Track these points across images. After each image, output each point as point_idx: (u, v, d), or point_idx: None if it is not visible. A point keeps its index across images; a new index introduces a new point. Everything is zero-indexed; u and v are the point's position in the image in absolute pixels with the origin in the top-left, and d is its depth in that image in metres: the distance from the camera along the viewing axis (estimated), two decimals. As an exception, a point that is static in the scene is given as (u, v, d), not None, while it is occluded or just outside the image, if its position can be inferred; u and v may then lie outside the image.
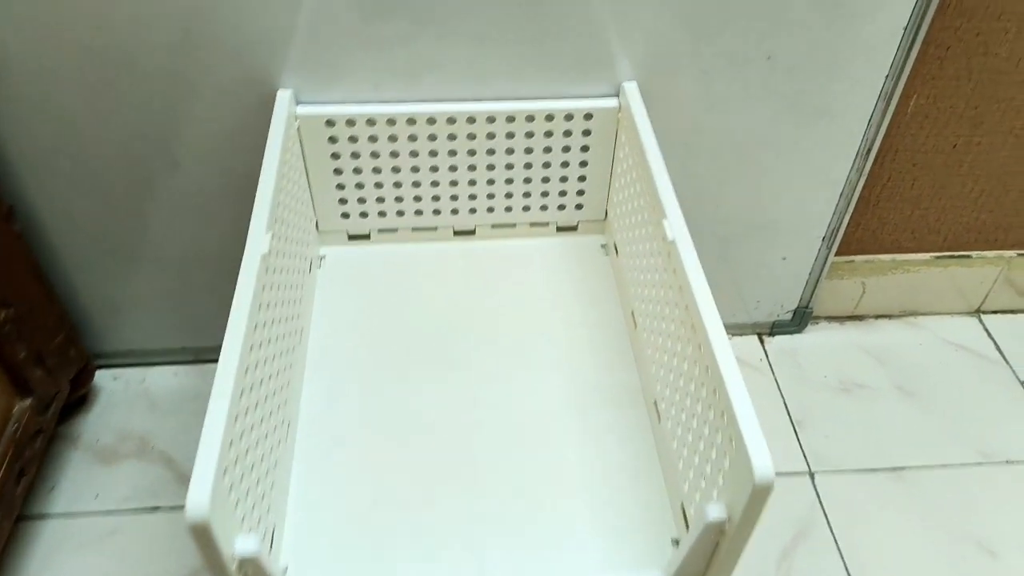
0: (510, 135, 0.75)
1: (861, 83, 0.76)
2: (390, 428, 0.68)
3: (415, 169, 0.77)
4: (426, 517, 0.61)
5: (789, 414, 0.92)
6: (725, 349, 0.52)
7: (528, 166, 0.78)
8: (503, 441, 0.66)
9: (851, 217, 0.89)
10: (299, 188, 0.75)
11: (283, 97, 0.71)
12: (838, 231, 0.89)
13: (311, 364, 0.72)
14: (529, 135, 0.76)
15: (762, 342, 1.00)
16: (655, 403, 0.67)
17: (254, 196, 0.62)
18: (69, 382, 0.87)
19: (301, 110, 0.73)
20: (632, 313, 0.74)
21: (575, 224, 0.84)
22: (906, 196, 0.91)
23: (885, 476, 0.86)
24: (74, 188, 0.78)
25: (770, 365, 0.98)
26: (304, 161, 0.76)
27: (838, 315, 1.03)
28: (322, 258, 0.82)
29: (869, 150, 0.82)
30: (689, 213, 0.86)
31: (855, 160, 0.82)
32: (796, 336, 1.01)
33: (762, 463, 0.45)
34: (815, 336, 1.01)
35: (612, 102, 0.74)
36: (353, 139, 0.75)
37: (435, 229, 0.83)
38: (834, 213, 0.88)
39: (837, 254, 0.95)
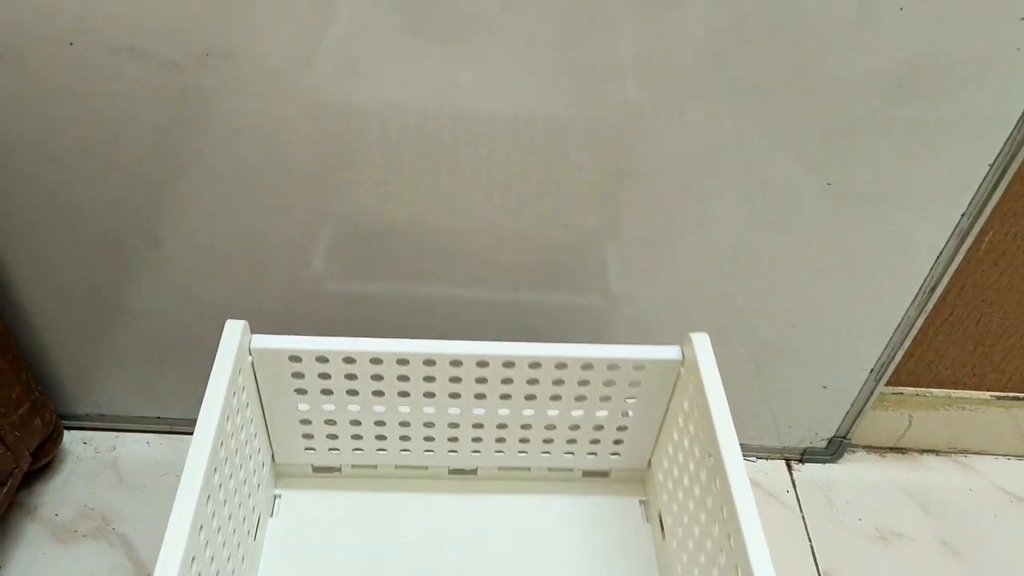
0: (532, 381, 0.59)
1: (933, 219, 0.66)
2: None
3: (404, 409, 0.62)
4: None
5: (816, 564, 0.82)
6: None
7: (554, 414, 0.63)
8: None
9: (905, 350, 0.79)
10: (250, 422, 0.60)
11: (233, 329, 0.57)
12: (888, 365, 0.79)
13: None
14: (558, 382, 0.59)
15: (790, 469, 0.90)
16: None
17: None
18: (31, 453, 0.80)
19: (257, 342, 0.59)
20: None
21: (607, 471, 0.67)
22: (969, 332, 0.81)
23: (919, 652, 0.76)
24: (49, 254, 0.71)
25: (798, 499, 0.88)
26: (260, 397, 0.62)
27: (878, 446, 0.92)
28: (276, 498, 0.67)
29: (934, 288, 0.72)
30: (721, 331, 0.77)
31: (916, 296, 0.73)
32: (830, 466, 0.91)
33: None
34: (851, 468, 0.91)
35: (672, 352, 0.58)
36: (325, 375, 0.59)
37: (425, 468, 0.67)
38: (886, 347, 0.78)
39: (885, 385, 0.84)
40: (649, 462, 0.67)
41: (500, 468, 0.67)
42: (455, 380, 0.60)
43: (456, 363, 0.59)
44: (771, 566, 0.46)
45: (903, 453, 0.92)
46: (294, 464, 0.67)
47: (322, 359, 0.59)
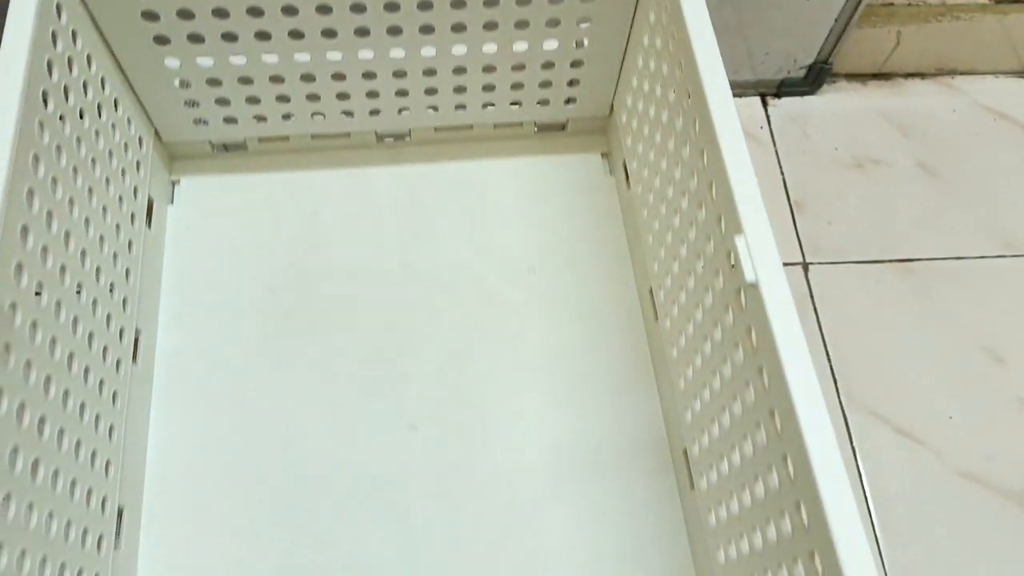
0: (458, 4, 0.49)
1: None
2: (267, 494, 0.48)
3: (301, 57, 0.50)
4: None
5: (788, 194, 0.78)
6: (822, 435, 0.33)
7: (491, 49, 0.52)
8: (449, 524, 0.47)
9: (902, -57, 0.68)
10: (99, 81, 0.47)
11: None
12: (882, -37, 0.69)
13: (157, 396, 0.50)
14: (490, 3, 0.49)
15: (765, 105, 0.83)
16: (685, 455, 0.47)
17: None
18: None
19: None
20: (650, 293, 0.52)
21: (563, 122, 0.58)
22: (978, -85, 0.69)
23: (890, 269, 0.75)
24: None
25: (772, 134, 0.82)
26: (110, 52, 0.48)
27: (861, 72, 0.85)
28: (174, 184, 0.57)
29: None
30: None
31: None
32: (808, 98, 0.84)
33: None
34: (830, 99, 0.84)
35: None
36: (186, 14, 0.46)
37: (347, 135, 0.57)
38: (882, -63, 0.67)
39: (874, -6, 0.75)
40: (611, 108, 0.58)
41: (436, 129, 0.58)
42: (358, 9, 0.48)
43: None
44: (764, 214, 0.41)
45: (887, 79, 0.85)
46: (186, 142, 0.57)
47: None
